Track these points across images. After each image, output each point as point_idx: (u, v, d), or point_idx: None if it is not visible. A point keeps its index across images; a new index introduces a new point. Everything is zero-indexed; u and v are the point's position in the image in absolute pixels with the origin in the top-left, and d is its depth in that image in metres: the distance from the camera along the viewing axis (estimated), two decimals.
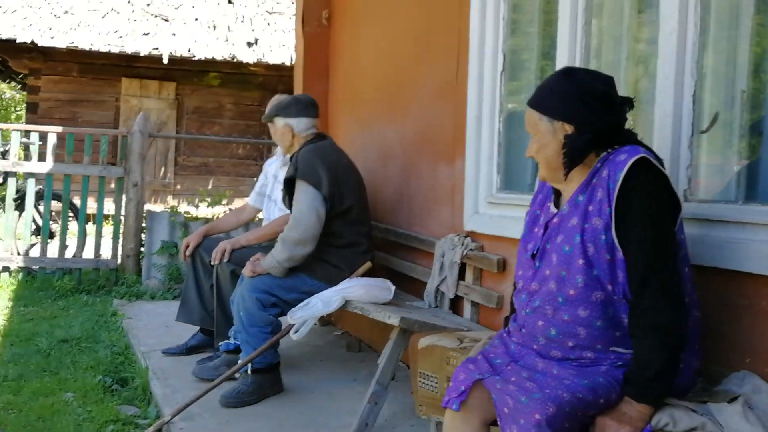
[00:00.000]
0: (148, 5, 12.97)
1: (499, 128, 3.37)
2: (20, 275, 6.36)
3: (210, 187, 12.94)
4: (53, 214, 6.91)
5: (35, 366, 4.20)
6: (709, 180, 2.35)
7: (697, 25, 2.31)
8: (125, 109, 12.74)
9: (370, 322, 3.22)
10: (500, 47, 3.37)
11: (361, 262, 3.62)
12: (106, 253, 6.59)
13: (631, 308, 1.91)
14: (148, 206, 7.65)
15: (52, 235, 6.71)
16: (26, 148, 6.75)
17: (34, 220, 6.80)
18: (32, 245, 6.58)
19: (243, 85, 13.30)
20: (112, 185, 6.65)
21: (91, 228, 6.79)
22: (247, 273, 3.57)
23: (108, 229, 6.81)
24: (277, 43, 12.79)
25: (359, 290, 3.32)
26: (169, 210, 6.86)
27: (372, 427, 3.03)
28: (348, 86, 5.18)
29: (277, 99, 4.00)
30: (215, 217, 7.68)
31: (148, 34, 12.29)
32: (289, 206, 3.67)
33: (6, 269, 6.35)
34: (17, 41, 11.50)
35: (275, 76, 13.00)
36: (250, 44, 12.64)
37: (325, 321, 4.87)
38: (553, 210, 2.09)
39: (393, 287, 3.40)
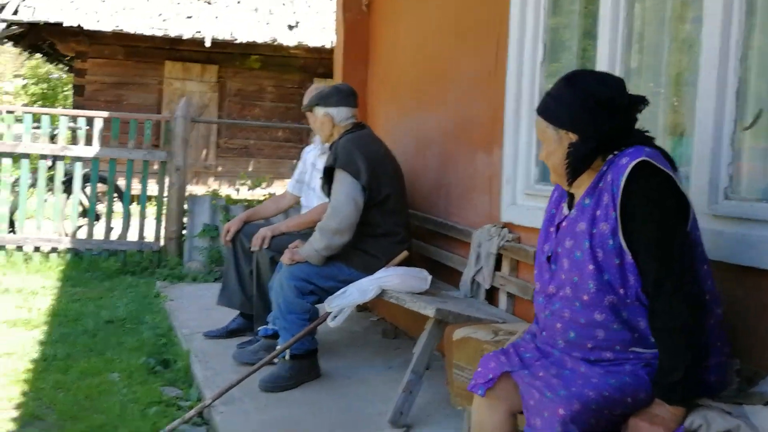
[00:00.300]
0: None
1: None
2: (68, 256, 6.55)
3: (250, 169, 13.10)
4: (99, 195, 7.08)
5: (82, 346, 4.34)
6: (752, 178, 2.32)
7: (742, 21, 2.27)
8: (168, 92, 12.93)
9: (406, 309, 3.26)
10: (540, 36, 3.34)
11: (397, 252, 3.65)
12: (149, 235, 6.74)
13: (649, 312, 1.91)
14: (190, 188, 7.78)
15: (98, 217, 6.88)
16: (73, 132, 6.92)
17: (80, 203, 6.97)
18: (79, 227, 6.77)
19: (284, 67, 13.39)
20: (156, 167, 6.78)
21: (135, 208, 6.95)
22: (285, 261, 3.63)
23: (151, 210, 6.96)
24: (318, 25, 12.82)
25: (395, 280, 3.36)
26: (210, 194, 6.98)
27: (407, 415, 3.07)
28: (387, 74, 5.19)
29: (316, 88, 4.04)
30: (256, 201, 7.80)
31: (191, 17, 12.43)
32: (328, 195, 3.71)
33: (54, 250, 6.54)
34: (64, 24, 11.72)
35: (315, 59, 13.05)
36: (291, 27, 12.70)
37: (362, 307, 4.92)
38: (566, 212, 2.10)
39: (429, 277, 3.43)
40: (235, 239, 4.28)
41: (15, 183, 6.95)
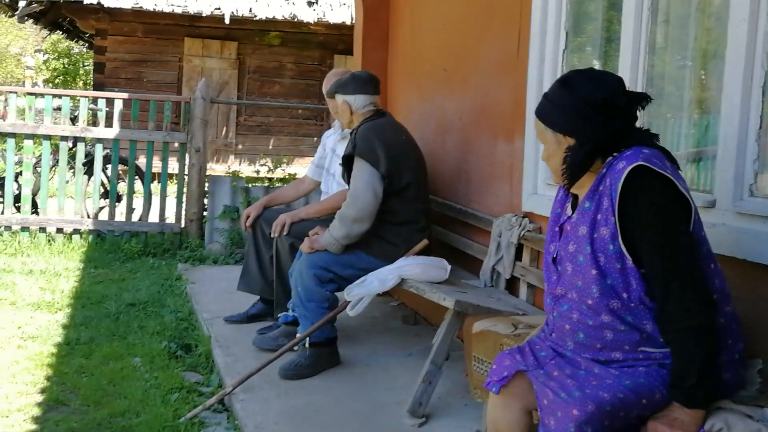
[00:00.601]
0: None
1: None
2: (90, 237, 6.61)
3: (270, 147, 13.11)
4: (120, 173, 7.12)
5: (105, 329, 4.39)
6: None
7: None
8: (188, 69, 12.94)
9: None
10: (563, 24, 3.29)
11: (417, 240, 3.64)
12: (170, 216, 6.79)
13: (659, 316, 1.90)
14: (210, 165, 7.79)
15: (119, 198, 6.94)
16: (94, 113, 6.94)
17: (102, 184, 7.02)
18: (101, 208, 6.82)
19: (304, 44, 13.32)
20: (176, 145, 6.79)
21: (156, 187, 6.98)
22: (305, 249, 3.64)
23: (171, 189, 6.99)
24: (338, 1, 12.72)
25: (415, 269, 3.36)
26: (230, 175, 6.99)
27: (426, 406, 3.09)
28: (407, 56, 5.14)
29: (335, 74, 4.02)
30: (276, 180, 7.82)
31: None
32: (348, 182, 3.71)
33: (77, 231, 6.61)
34: (84, 2, 11.73)
35: (336, 35, 12.97)
36: (310, 3, 12.61)
37: (382, 292, 4.93)
38: (569, 212, 2.09)
39: (449, 267, 3.42)
40: (255, 225, 4.30)
41: (36, 164, 7.01)
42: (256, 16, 12.19)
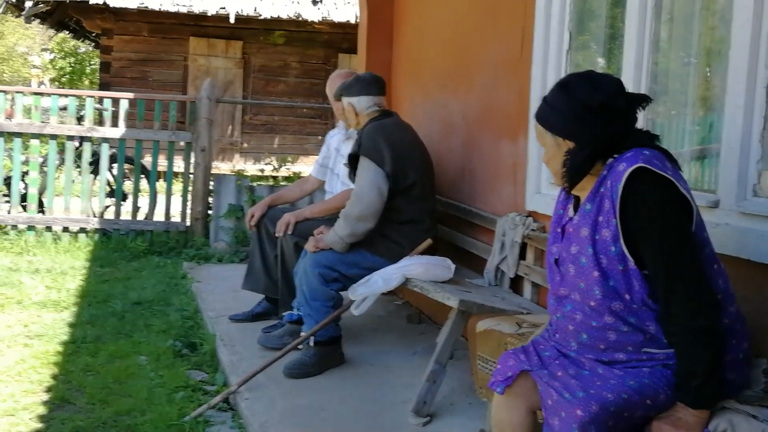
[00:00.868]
0: None
1: None
2: (96, 236, 6.64)
3: (275, 145, 13.13)
4: (126, 172, 7.15)
5: (111, 328, 4.41)
6: None
7: None
8: (193, 69, 12.97)
9: None
10: (566, 25, 3.29)
11: (422, 239, 3.65)
12: (176, 215, 6.81)
13: (663, 318, 1.90)
14: (215, 164, 7.82)
15: (125, 197, 6.96)
16: (100, 113, 6.97)
17: (108, 183, 7.05)
18: (107, 207, 6.85)
19: (308, 43, 13.34)
20: (182, 143, 6.82)
21: (161, 186, 7.01)
22: (309, 248, 3.65)
23: (177, 188, 7.02)
24: (342, 0, 12.73)
25: (419, 268, 3.37)
26: (235, 174, 7.01)
27: (430, 405, 3.09)
28: (411, 55, 5.15)
29: (339, 75, 4.03)
30: (281, 178, 7.84)
31: None
32: (354, 182, 3.72)
33: (83, 230, 6.64)
34: (89, 2, 11.76)
35: (340, 34, 12.99)
36: (315, 2, 12.63)
37: (387, 291, 4.94)
38: (571, 213, 2.09)
39: (453, 266, 3.43)
40: (259, 224, 4.31)
41: (43, 163, 7.05)
42: (260, 15, 12.23)
